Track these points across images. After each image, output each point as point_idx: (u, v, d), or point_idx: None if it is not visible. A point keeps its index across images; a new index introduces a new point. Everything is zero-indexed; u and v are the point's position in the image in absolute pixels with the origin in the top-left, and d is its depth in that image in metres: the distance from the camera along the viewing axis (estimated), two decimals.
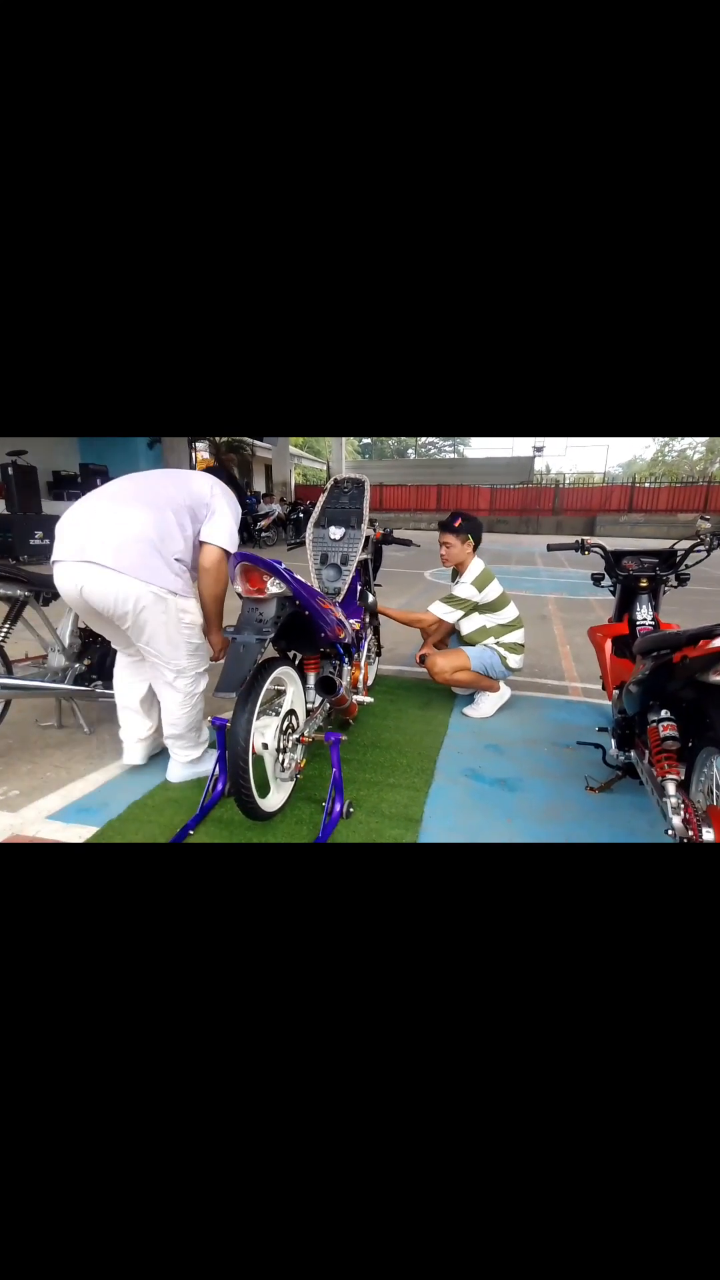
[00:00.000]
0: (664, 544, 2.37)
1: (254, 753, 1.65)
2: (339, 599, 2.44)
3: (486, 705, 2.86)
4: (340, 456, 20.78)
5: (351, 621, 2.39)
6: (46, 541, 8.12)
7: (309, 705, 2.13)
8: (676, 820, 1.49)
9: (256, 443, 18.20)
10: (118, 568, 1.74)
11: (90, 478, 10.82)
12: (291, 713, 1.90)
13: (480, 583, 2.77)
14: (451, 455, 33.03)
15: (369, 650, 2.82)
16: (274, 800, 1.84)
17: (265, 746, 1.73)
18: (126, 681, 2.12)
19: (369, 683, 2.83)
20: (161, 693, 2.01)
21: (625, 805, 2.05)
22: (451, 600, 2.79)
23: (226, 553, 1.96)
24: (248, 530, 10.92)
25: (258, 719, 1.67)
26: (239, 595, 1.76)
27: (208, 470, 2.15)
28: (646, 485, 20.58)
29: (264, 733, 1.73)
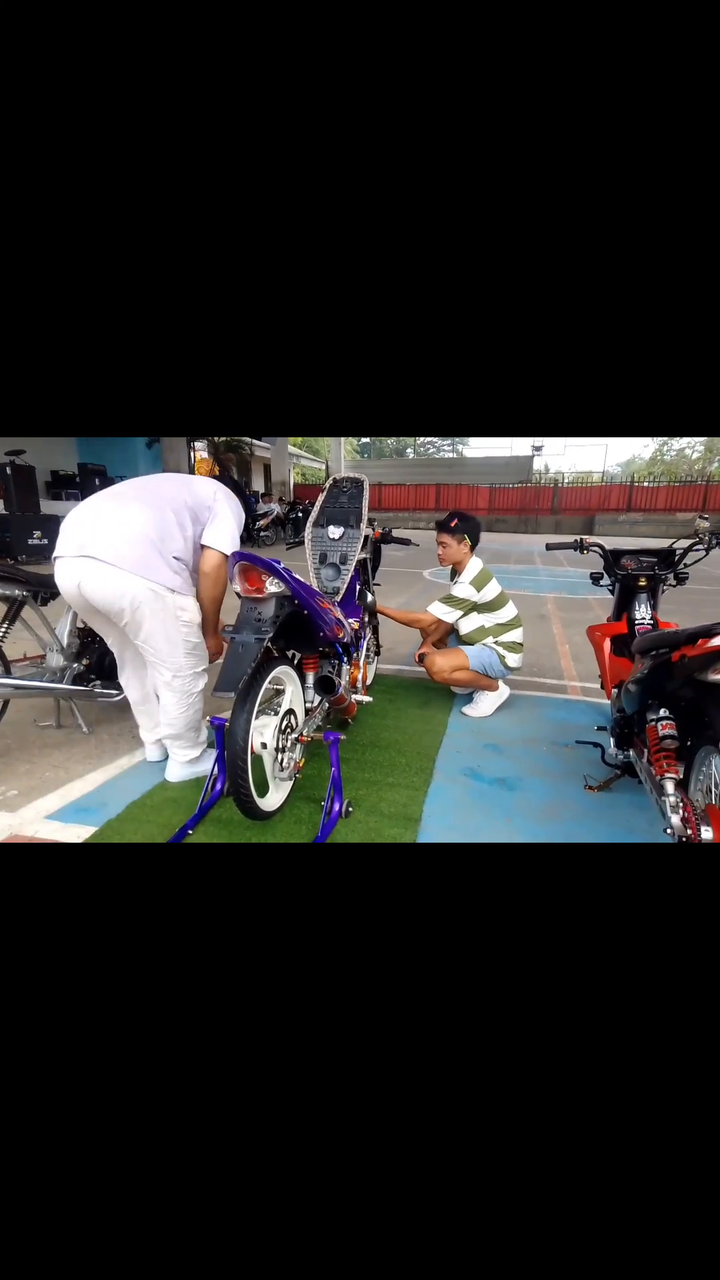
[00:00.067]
0: (662, 543, 2.37)
1: (253, 752, 1.65)
2: (338, 598, 2.45)
3: (485, 704, 2.86)
4: (339, 456, 20.78)
5: (350, 621, 2.39)
6: (45, 541, 8.12)
7: (308, 704, 2.12)
8: (675, 819, 1.49)
9: (255, 442, 18.19)
10: (115, 563, 1.76)
11: (89, 477, 10.82)
12: (290, 712, 1.90)
13: (479, 582, 2.77)
14: (450, 454, 33.02)
15: (368, 649, 2.82)
16: (273, 800, 1.84)
17: (264, 746, 1.73)
18: (131, 683, 2.16)
19: (368, 682, 2.83)
20: (160, 692, 2.02)
21: (624, 804, 2.05)
22: (450, 600, 2.79)
23: (227, 557, 1.98)
24: (246, 530, 10.89)
25: (256, 718, 1.67)
26: (237, 594, 1.76)
27: (215, 477, 2.18)
28: (645, 484, 20.59)
29: (263, 732, 1.73)
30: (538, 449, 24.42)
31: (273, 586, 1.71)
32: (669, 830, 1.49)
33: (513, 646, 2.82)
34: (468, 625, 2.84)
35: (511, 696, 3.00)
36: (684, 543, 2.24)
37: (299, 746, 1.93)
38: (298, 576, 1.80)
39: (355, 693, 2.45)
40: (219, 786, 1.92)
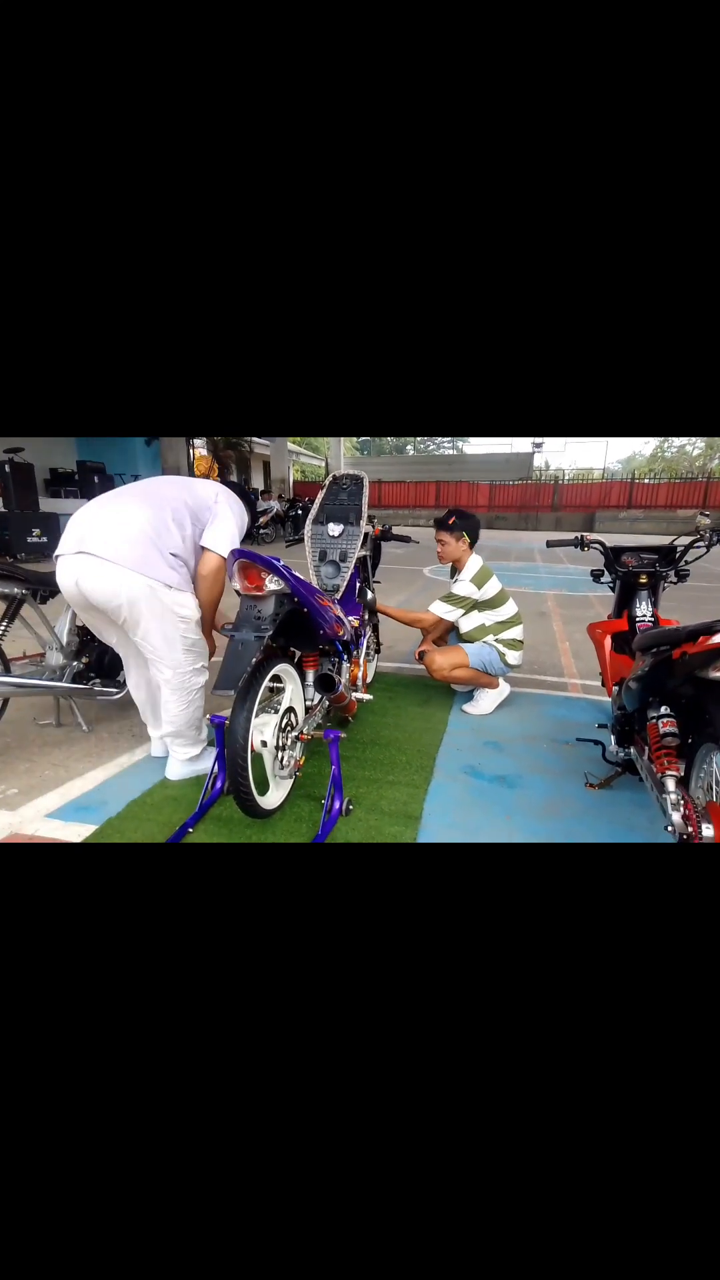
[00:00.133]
0: (663, 540, 2.36)
1: (253, 750, 1.64)
2: (338, 596, 2.44)
3: (486, 702, 2.86)
4: (339, 453, 20.73)
5: (350, 618, 2.39)
6: (44, 539, 8.11)
7: (308, 702, 2.12)
8: (676, 816, 1.49)
9: (254, 439, 18.15)
10: (112, 559, 1.78)
11: (88, 475, 10.80)
12: (290, 710, 1.90)
13: (479, 580, 2.77)
14: (450, 451, 32.97)
15: (368, 647, 2.82)
16: (273, 798, 1.84)
17: (264, 744, 1.73)
18: (139, 684, 2.17)
19: (368, 680, 2.82)
20: (160, 690, 2.02)
21: (625, 802, 2.05)
22: (451, 598, 2.79)
23: (225, 559, 1.98)
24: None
25: (256, 716, 1.67)
26: (237, 592, 1.75)
27: (216, 477, 2.19)
28: (646, 481, 20.57)
29: (263, 730, 1.73)
30: (538, 446, 24.39)
31: (272, 584, 1.71)
32: (670, 828, 1.49)
33: (513, 644, 2.82)
34: (468, 623, 2.84)
35: (512, 694, 3.00)
36: (685, 539, 2.23)
37: (299, 744, 1.93)
38: (297, 574, 1.79)
39: (355, 690, 2.45)
40: (219, 785, 1.92)
